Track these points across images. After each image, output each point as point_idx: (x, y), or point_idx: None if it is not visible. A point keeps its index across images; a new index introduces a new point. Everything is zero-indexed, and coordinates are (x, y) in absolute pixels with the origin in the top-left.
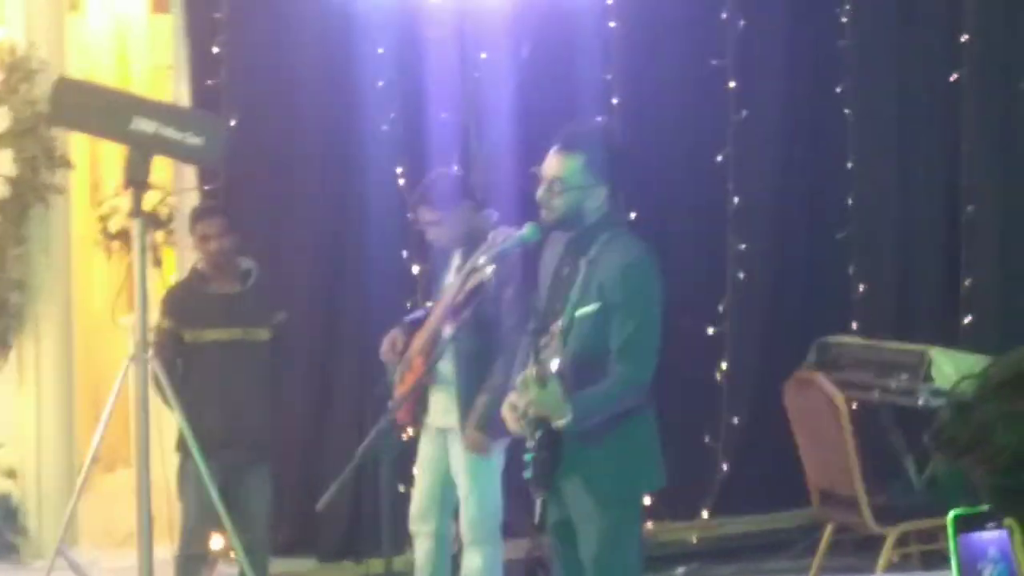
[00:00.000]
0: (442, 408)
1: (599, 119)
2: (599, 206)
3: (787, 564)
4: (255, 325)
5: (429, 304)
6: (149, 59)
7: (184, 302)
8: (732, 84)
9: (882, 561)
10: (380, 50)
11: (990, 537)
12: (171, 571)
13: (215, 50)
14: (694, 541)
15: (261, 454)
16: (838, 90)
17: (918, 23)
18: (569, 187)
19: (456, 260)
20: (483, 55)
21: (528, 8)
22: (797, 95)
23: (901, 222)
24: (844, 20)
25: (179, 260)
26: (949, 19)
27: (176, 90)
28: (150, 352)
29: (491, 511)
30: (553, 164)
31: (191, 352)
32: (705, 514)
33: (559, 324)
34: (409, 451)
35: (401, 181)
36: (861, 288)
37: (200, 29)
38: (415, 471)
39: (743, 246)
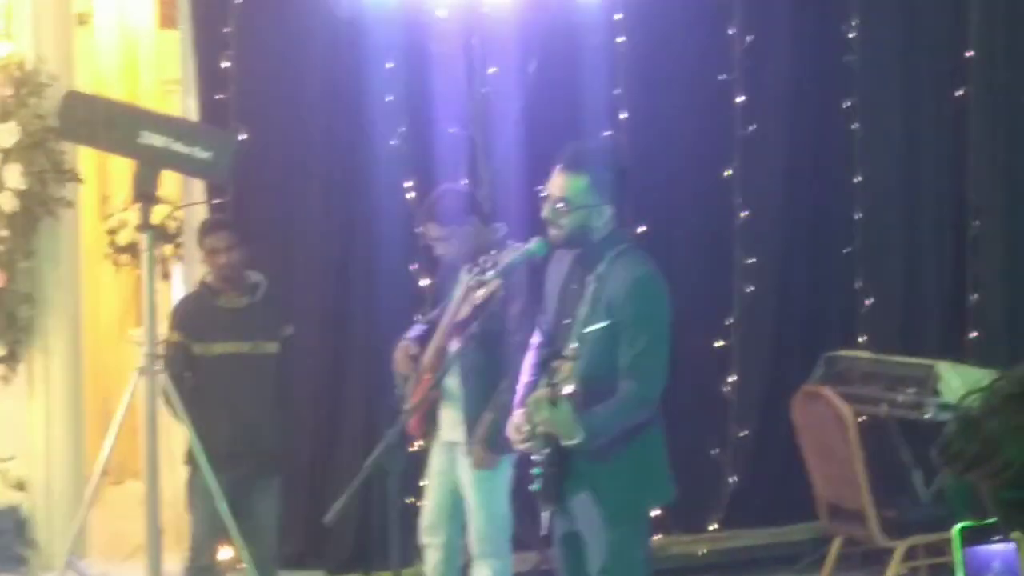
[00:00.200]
0: (450, 422)
1: (606, 135)
2: (605, 224)
3: None
4: (264, 339)
5: (419, 317)
6: (157, 73)
7: (193, 315)
8: (739, 99)
9: (890, 574)
10: (388, 65)
11: (995, 550)
12: None
13: (223, 64)
14: (702, 554)
15: (270, 467)
16: (845, 105)
17: (924, 39)
18: (575, 207)
19: (464, 275)
20: (491, 70)
21: (536, 23)
22: (804, 110)
23: (908, 237)
24: (851, 36)
25: (187, 274)
26: (955, 35)
27: (184, 104)
28: (159, 365)
29: (500, 524)
30: (558, 184)
31: (200, 365)
32: (713, 527)
33: (573, 348)
34: (418, 463)
35: (409, 195)
36: (868, 302)
37: (208, 44)
38: (425, 483)
39: (750, 260)
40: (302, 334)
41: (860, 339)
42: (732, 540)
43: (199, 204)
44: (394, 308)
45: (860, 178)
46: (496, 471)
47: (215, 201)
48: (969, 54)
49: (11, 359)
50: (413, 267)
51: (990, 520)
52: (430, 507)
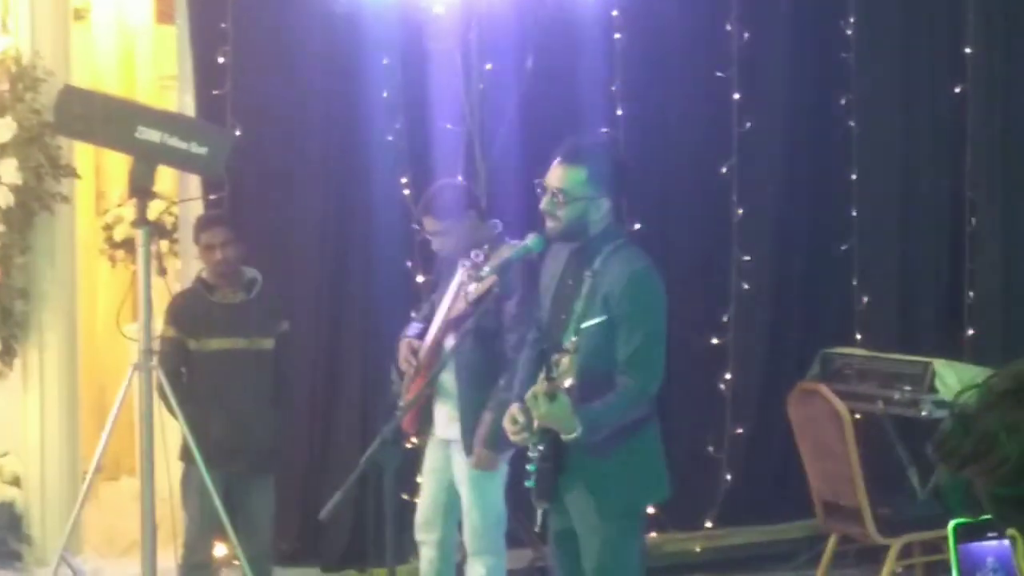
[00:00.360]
0: (445, 419)
1: (603, 131)
2: (602, 217)
3: (790, 575)
4: (259, 334)
5: (414, 314)
6: (154, 69)
7: (189, 311)
8: (736, 96)
9: (885, 572)
10: (385, 61)
11: (991, 547)
12: None
13: (220, 60)
14: (698, 551)
15: (265, 463)
16: (842, 102)
17: (922, 35)
18: (572, 199)
19: (460, 271)
20: (488, 66)
21: (533, 19)
22: (801, 107)
23: (905, 234)
24: (848, 32)
25: (183, 269)
26: (953, 31)
27: (181, 100)
28: (154, 361)
29: (494, 521)
30: (556, 175)
31: (195, 361)
32: (709, 525)
33: (572, 341)
34: (413, 460)
35: (406, 191)
36: (864, 300)
37: (205, 39)
38: (420, 480)
39: (747, 257)
40: (298, 330)
41: (856, 336)
42: (728, 538)
43: (195, 200)
44: (390, 304)
45: (857, 175)
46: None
47: (211, 197)
48: (967, 50)
49: (6, 354)
50: (409, 263)
51: (985, 517)
52: (425, 504)
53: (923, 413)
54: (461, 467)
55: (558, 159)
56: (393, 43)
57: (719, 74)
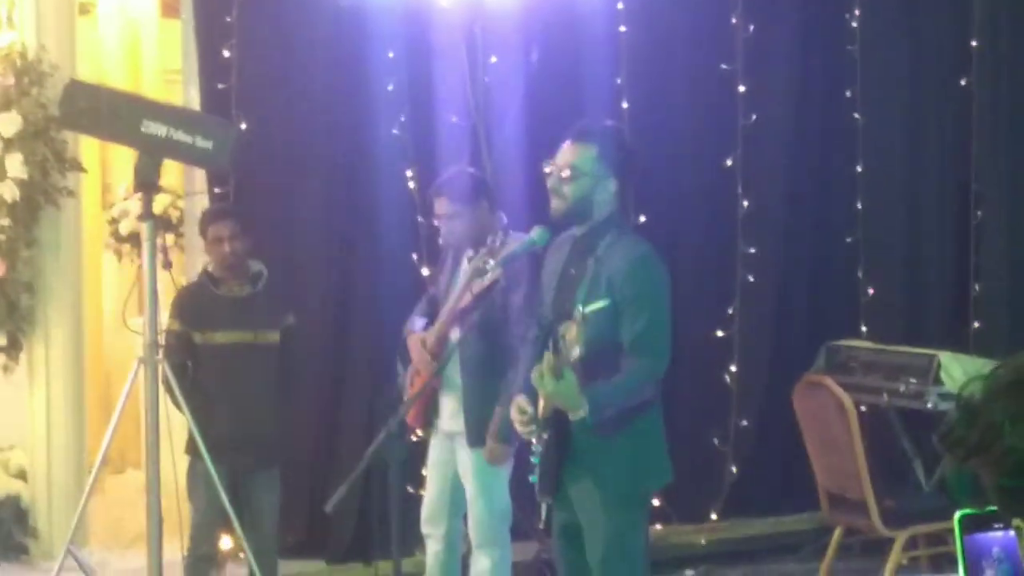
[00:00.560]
0: (450, 412)
1: (609, 123)
2: (608, 199)
3: (796, 567)
4: (265, 328)
5: (417, 308)
6: (159, 63)
7: (195, 305)
8: (742, 88)
9: (891, 564)
10: (390, 54)
11: (996, 538)
12: (180, 572)
13: (225, 54)
14: (703, 543)
15: (270, 456)
16: (847, 94)
17: (927, 28)
18: (580, 174)
19: (465, 263)
20: (493, 59)
21: (538, 12)
22: (807, 99)
23: (910, 226)
24: (854, 25)
25: (189, 263)
26: (958, 23)
27: (186, 94)
28: (160, 354)
29: (499, 514)
30: (566, 153)
31: (201, 354)
32: (714, 516)
33: (579, 311)
34: (418, 453)
35: (411, 184)
36: (870, 292)
37: (210, 33)
38: (425, 473)
39: (752, 250)
40: (303, 324)
41: (862, 329)
42: (733, 530)
43: (201, 194)
44: (396, 297)
45: (862, 168)
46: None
47: (217, 191)
48: (973, 43)
49: (12, 348)
50: (415, 256)
51: (991, 508)
52: (430, 497)
53: (928, 405)
54: (466, 460)
55: (568, 139)
56: (398, 36)
57: (724, 67)
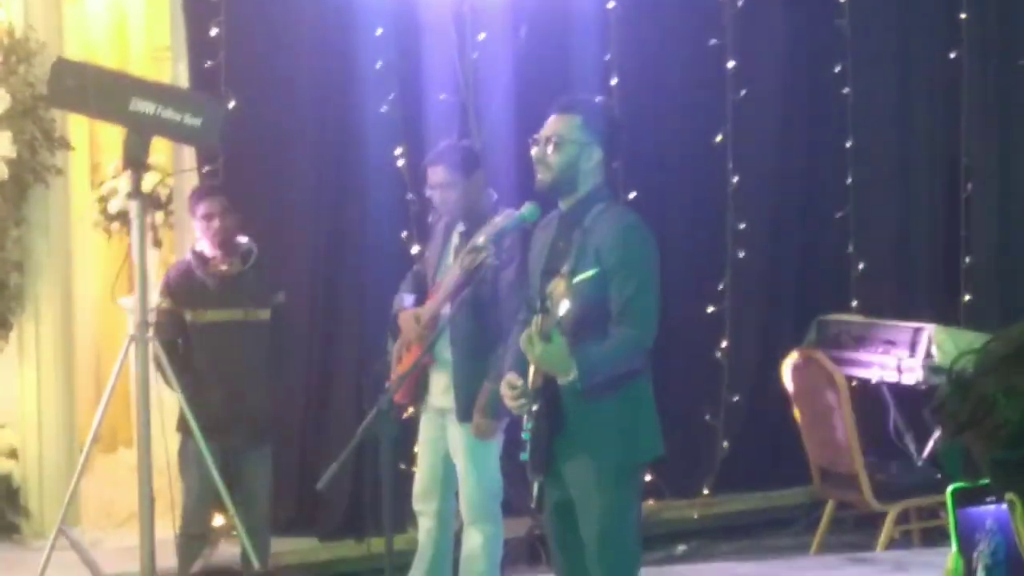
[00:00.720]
0: (441, 389)
1: (598, 99)
2: (593, 168)
3: (788, 541)
4: (255, 306)
5: (403, 284)
6: (147, 40)
7: (185, 283)
8: (731, 64)
9: (883, 538)
10: (378, 31)
11: (988, 511)
12: (172, 550)
13: (213, 31)
14: (695, 518)
15: (262, 434)
16: (837, 69)
17: (916, 1)
18: (565, 142)
19: (455, 240)
20: (481, 36)
21: None
22: (796, 74)
23: (900, 200)
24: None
25: (178, 241)
26: None
27: (174, 71)
28: (150, 332)
29: (491, 490)
30: (551, 124)
31: (192, 332)
32: (706, 492)
33: (566, 268)
34: (410, 430)
35: (400, 162)
36: (861, 266)
37: (198, 10)
38: (417, 451)
39: (743, 225)
40: (294, 301)
41: (853, 303)
42: (725, 504)
43: (190, 171)
44: (385, 275)
45: (852, 142)
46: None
47: (206, 168)
48: (962, 16)
49: (2, 327)
50: (404, 234)
51: (983, 481)
52: (422, 475)
53: (920, 379)
54: (457, 437)
55: (554, 111)
56: (386, 13)
57: (713, 42)
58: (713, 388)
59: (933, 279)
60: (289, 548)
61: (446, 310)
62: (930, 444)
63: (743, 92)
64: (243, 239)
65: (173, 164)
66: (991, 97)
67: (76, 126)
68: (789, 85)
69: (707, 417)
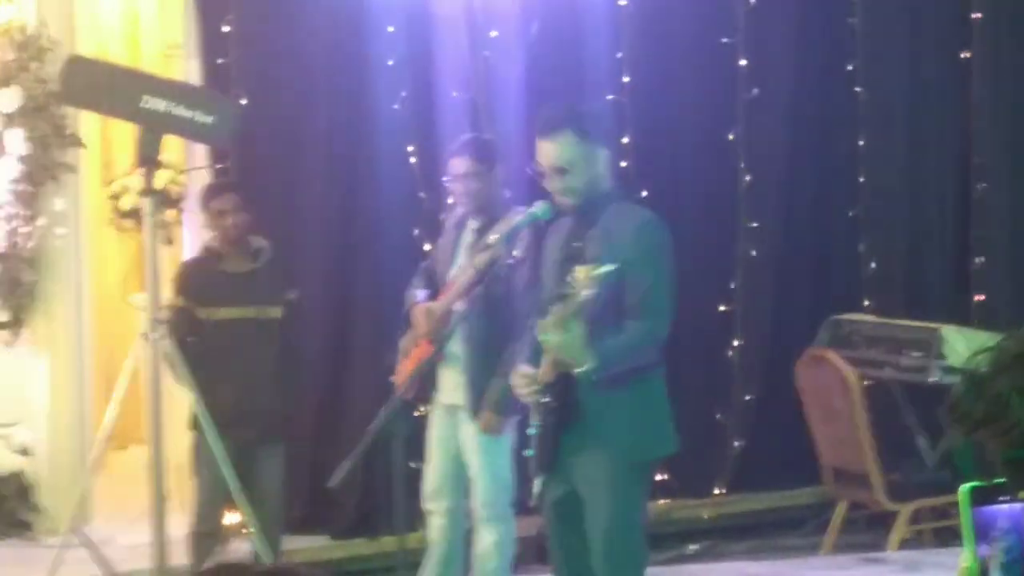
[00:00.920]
0: (451, 386)
1: (609, 98)
2: (606, 167)
3: (800, 541)
4: (268, 303)
5: (415, 281)
6: (159, 38)
7: (197, 280)
8: (743, 62)
9: (895, 538)
10: (390, 28)
11: (1003, 510)
12: (184, 548)
13: (225, 29)
14: (706, 518)
15: (274, 432)
16: (849, 68)
17: (928, 1)
18: (575, 164)
19: (468, 237)
20: (493, 33)
21: None
22: (808, 73)
23: (912, 200)
24: None
25: (191, 239)
26: None
27: (186, 69)
28: (162, 330)
29: (503, 488)
30: (547, 153)
31: (204, 330)
32: (717, 491)
33: (589, 257)
34: (422, 428)
35: (412, 159)
36: (872, 266)
37: (210, 8)
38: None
39: (754, 224)
40: (306, 299)
41: (865, 303)
42: (737, 504)
43: (202, 169)
44: (397, 273)
45: (864, 141)
46: (499, 436)
47: (218, 166)
48: (975, 15)
49: (15, 324)
50: (416, 231)
51: (997, 480)
52: (432, 473)
53: (931, 379)
54: (469, 435)
55: (539, 137)
56: (398, 11)
57: (725, 40)
58: (725, 387)
59: (944, 279)
60: (301, 546)
61: (458, 306)
62: (942, 443)
63: (755, 91)
64: (255, 237)
65: (185, 161)
66: (1003, 96)
67: (88, 123)
68: (801, 84)
69: (718, 416)
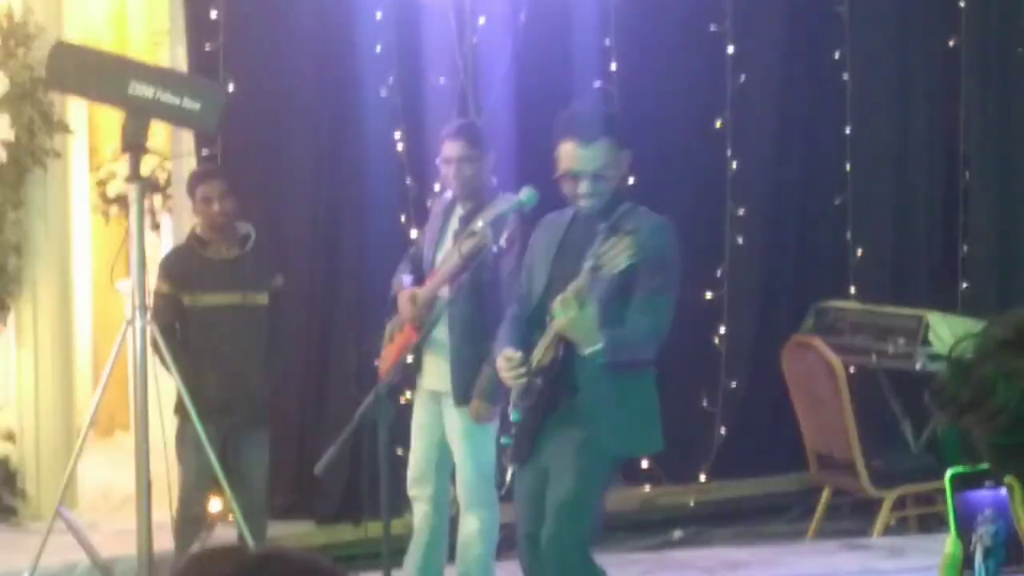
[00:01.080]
0: (435, 372)
1: (597, 85)
2: (628, 172)
3: (785, 528)
4: (253, 290)
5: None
6: (146, 24)
7: (183, 266)
8: (731, 49)
9: (879, 524)
10: (378, 15)
11: (987, 496)
12: (170, 534)
13: (213, 15)
14: (691, 504)
15: (259, 418)
16: (836, 55)
17: None
18: (608, 171)
19: (454, 223)
20: (481, 20)
21: None
22: (796, 60)
23: (899, 187)
24: None
25: (176, 225)
26: None
27: (173, 55)
28: (148, 316)
29: (487, 475)
30: (582, 159)
31: (190, 316)
32: (703, 478)
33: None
34: (407, 415)
35: (399, 146)
36: (859, 253)
37: None
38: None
39: (741, 211)
40: (292, 285)
41: (850, 290)
42: (721, 490)
43: (189, 155)
44: (383, 259)
45: (851, 129)
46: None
47: (204, 152)
48: (962, 3)
49: (0, 310)
50: (403, 217)
51: (982, 466)
52: (416, 459)
53: (917, 366)
54: (453, 421)
55: (576, 140)
56: None
57: (713, 28)
58: (711, 374)
59: (931, 266)
60: (286, 532)
61: (443, 293)
62: (927, 430)
63: (742, 78)
64: (242, 223)
65: (172, 148)
66: (990, 85)
67: (75, 109)
68: (788, 71)
69: (704, 403)
